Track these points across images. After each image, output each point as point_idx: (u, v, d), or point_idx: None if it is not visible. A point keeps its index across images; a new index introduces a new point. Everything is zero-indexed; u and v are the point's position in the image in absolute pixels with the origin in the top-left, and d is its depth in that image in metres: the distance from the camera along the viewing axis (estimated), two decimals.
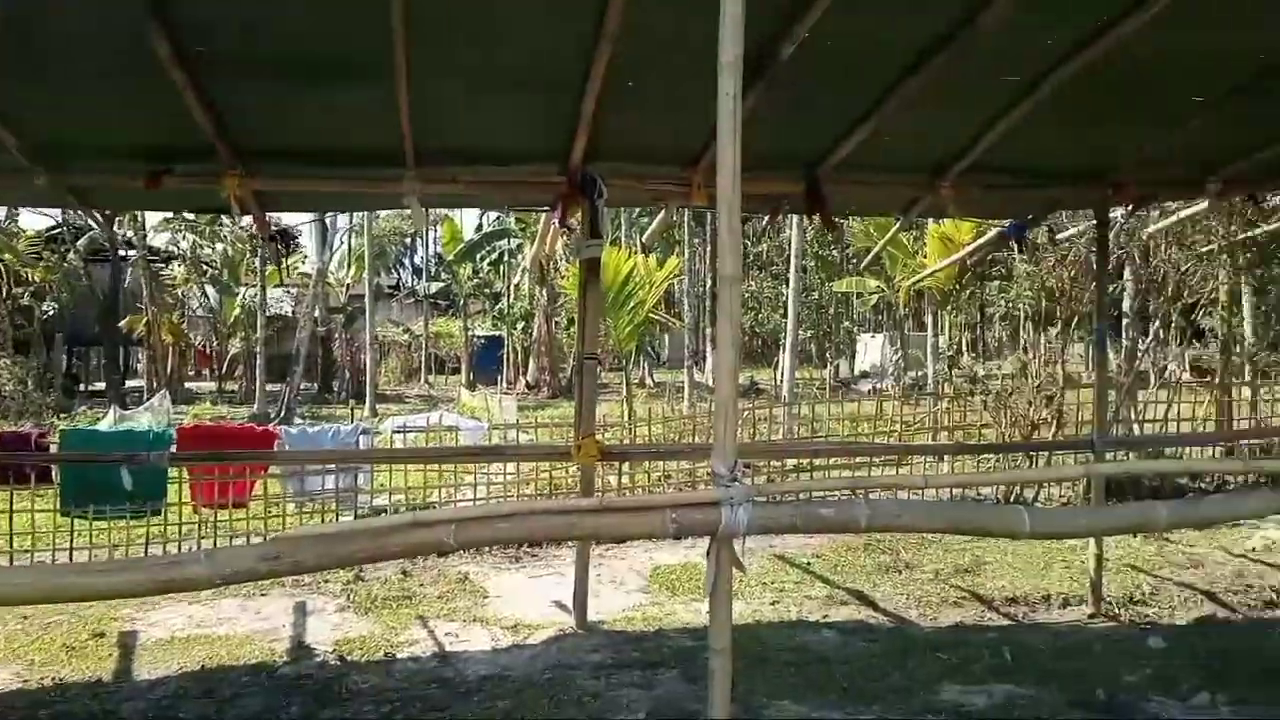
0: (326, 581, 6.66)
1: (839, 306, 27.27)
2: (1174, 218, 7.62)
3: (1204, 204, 6.20)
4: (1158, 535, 7.89)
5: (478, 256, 32.34)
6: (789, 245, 15.99)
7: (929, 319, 19.28)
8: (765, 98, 3.98)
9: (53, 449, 7.34)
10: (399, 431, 8.70)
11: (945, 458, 9.07)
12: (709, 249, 29.37)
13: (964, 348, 16.54)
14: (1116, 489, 8.23)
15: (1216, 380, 10.35)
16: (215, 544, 7.32)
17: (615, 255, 10.98)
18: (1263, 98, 4.51)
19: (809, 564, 7.27)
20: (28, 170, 4.61)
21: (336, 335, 28.18)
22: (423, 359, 33.95)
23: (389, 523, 2.64)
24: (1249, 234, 8.77)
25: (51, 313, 23.28)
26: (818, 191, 5.12)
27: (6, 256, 18.94)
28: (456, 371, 33.98)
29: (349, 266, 34.23)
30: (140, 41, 3.51)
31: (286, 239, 31.50)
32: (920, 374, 18.61)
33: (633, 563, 7.30)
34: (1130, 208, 6.46)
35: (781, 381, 13.12)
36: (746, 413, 10.77)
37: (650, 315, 11.58)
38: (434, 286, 37.09)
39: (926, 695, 4.67)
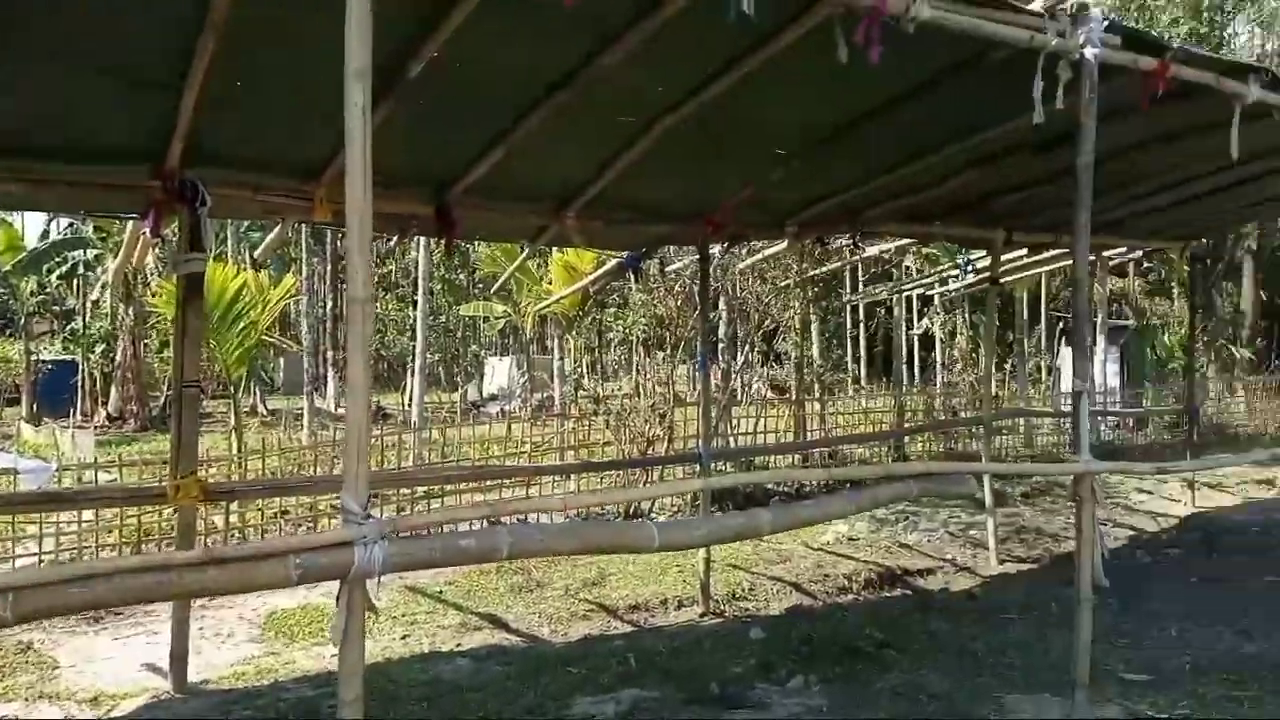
0: None
1: (466, 330, 27.34)
2: (759, 255, 8.69)
3: (784, 244, 7.13)
4: None
5: (44, 268, 27.55)
6: (415, 267, 15.66)
7: (553, 343, 20.07)
8: (395, 114, 3.84)
9: None
10: None
11: (572, 476, 9.42)
12: (330, 268, 27.93)
13: (586, 370, 17.45)
14: (717, 495, 9.14)
15: (792, 397, 11.94)
16: None
17: (221, 271, 9.91)
18: (829, 157, 5.29)
19: (441, 592, 7.10)
20: None
21: None
22: None
23: None
24: (816, 271, 10.30)
25: None
26: (448, 214, 5.06)
27: None
28: (15, 403, 28.59)
29: None
30: None
31: None
32: (546, 396, 19.27)
33: (243, 610, 6.59)
34: (726, 245, 7.22)
35: (410, 406, 12.81)
36: (375, 440, 10.34)
37: (264, 338, 10.64)
38: None
39: (559, 710, 4.75)
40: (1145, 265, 18.65)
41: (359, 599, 2.54)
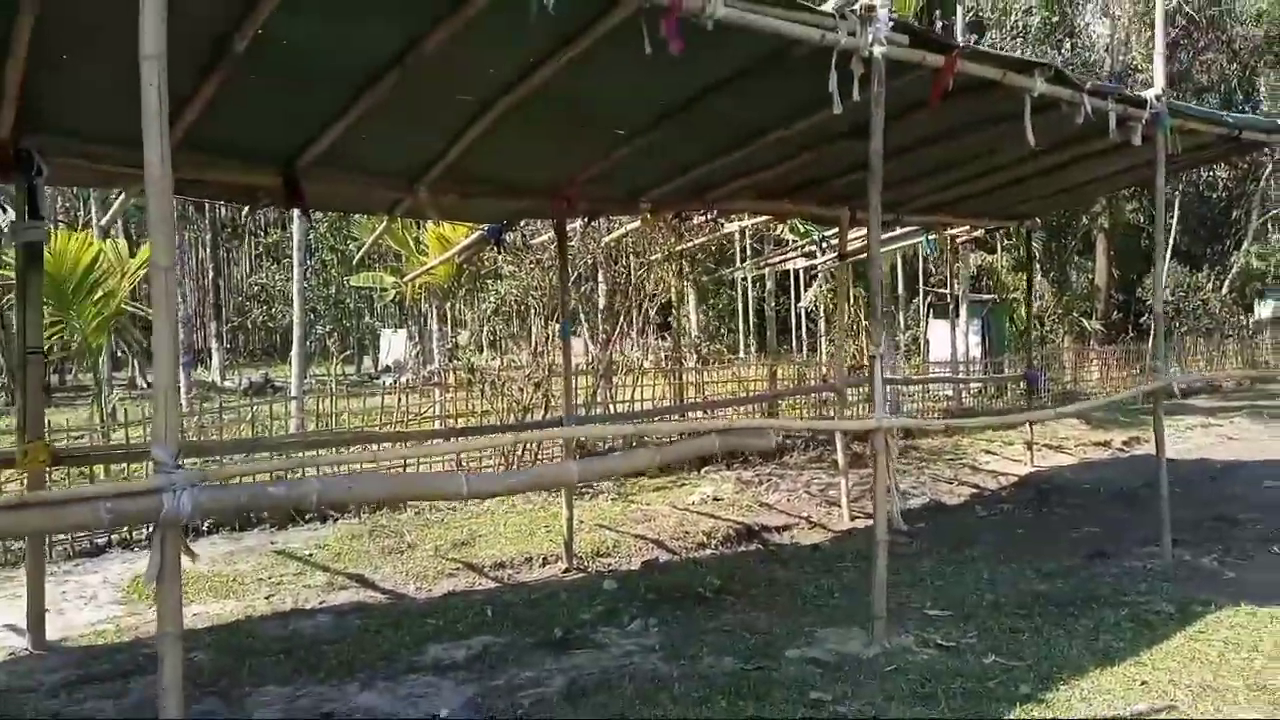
0: None
1: (360, 301, 26.94)
2: (621, 230, 9.01)
3: (638, 222, 7.47)
4: (623, 497, 9.27)
5: None
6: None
7: (434, 314, 20.06)
8: (227, 90, 3.99)
9: None
10: None
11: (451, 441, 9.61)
12: (211, 235, 27.10)
13: (468, 341, 17.58)
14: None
15: (671, 365, 12.37)
16: None
17: (73, 240, 9.53)
18: (668, 139, 5.63)
19: (311, 555, 7.27)
20: None
21: None
22: None
23: None
24: (682, 246, 10.68)
25: None
26: (296, 185, 5.21)
27: None
28: None
29: None
30: None
31: None
32: (434, 368, 19.30)
33: (107, 575, 6.66)
34: (586, 220, 7.52)
35: (292, 377, 12.76)
36: (252, 410, 10.34)
37: (125, 307, 10.40)
38: None
39: (410, 655, 5.04)
40: (1008, 243, 19.78)
41: (172, 541, 2.77)
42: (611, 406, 11.32)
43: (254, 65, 3.95)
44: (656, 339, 14.51)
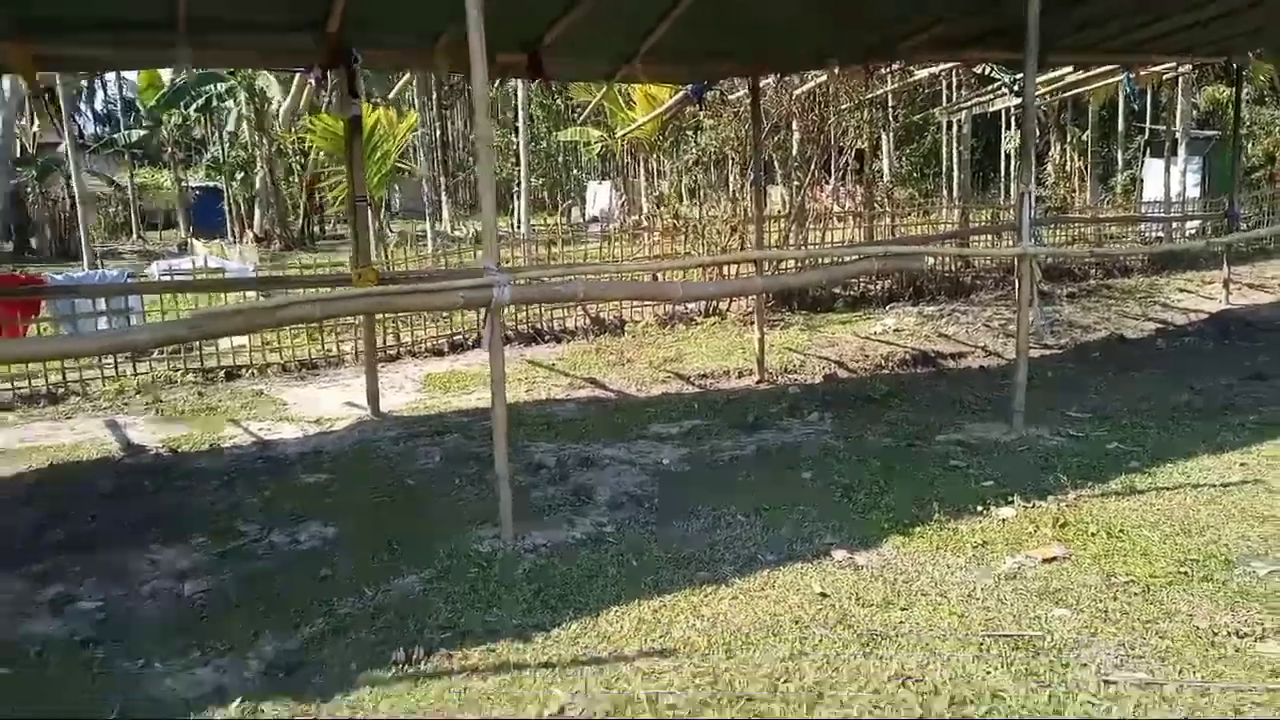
0: (127, 404, 7.51)
1: (567, 155, 28.64)
2: (813, 82, 9.73)
3: (824, 76, 8.24)
4: (811, 328, 10.40)
5: (183, 103, 29.93)
6: (515, 95, 16.93)
7: (640, 166, 21.26)
8: None
9: None
10: (166, 274, 9.19)
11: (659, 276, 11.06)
12: (436, 107, 29.36)
13: (670, 191, 18.77)
14: (786, 298, 10.65)
15: (863, 210, 13.07)
16: None
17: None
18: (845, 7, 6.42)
19: (554, 364, 9.01)
20: None
21: (30, 189, 25.71)
22: (133, 213, 31.64)
23: (262, 303, 3.91)
24: (873, 94, 11.14)
25: None
26: (538, 62, 6.52)
27: None
28: (170, 226, 32.10)
29: (29, 115, 30.44)
30: None
31: None
32: (639, 217, 20.78)
33: (407, 373, 8.69)
34: (778, 77, 8.37)
35: (518, 225, 14.56)
36: None
37: (396, 165, 12.36)
38: (134, 135, 33.81)
39: (637, 430, 6.59)
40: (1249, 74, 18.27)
41: (497, 321, 4.27)
42: (803, 249, 12.28)
43: None
44: (852, 185, 15.10)
